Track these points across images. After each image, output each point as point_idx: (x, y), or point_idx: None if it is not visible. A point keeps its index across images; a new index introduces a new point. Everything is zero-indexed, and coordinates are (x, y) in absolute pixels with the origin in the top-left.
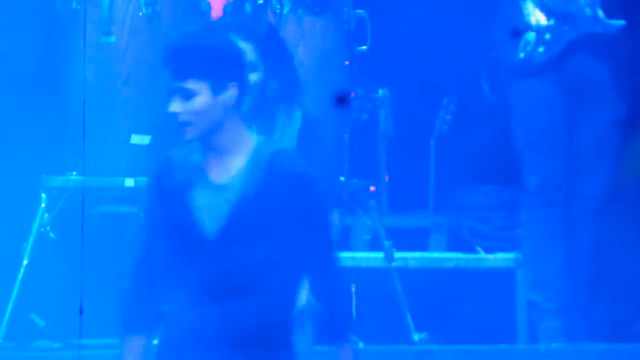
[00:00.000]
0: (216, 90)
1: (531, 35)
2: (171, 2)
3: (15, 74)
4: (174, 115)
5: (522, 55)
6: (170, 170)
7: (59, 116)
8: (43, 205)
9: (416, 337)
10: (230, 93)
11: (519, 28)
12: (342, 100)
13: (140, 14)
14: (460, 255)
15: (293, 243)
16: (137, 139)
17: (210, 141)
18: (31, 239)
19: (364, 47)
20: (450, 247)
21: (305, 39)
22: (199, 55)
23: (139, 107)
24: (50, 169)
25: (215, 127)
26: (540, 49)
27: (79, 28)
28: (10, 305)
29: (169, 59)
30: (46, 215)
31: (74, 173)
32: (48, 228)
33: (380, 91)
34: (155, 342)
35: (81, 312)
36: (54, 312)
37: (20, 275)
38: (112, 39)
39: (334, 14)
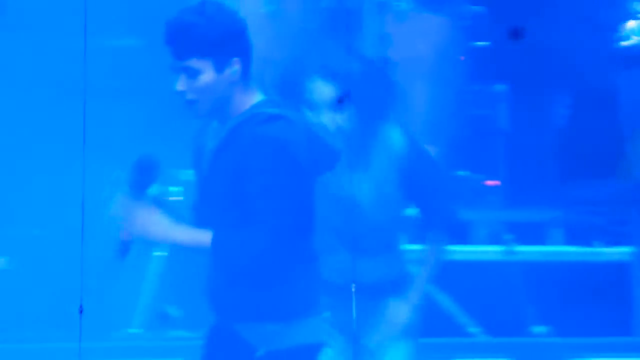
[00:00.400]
0: (220, 67)
1: (635, 25)
2: None
3: (146, 69)
4: (181, 93)
5: (625, 44)
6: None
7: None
8: (175, 198)
9: (535, 329)
10: (234, 68)
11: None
12: (341, 101)
13: (263, 11)
14: (578, 248)
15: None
16: None
17: (219, 113)
18: None
19: (483, 42)
20: (568, 241)
21: (423, 35)
22: (200, 34)
23: None
24: (180, 163)
25: (222, 102)
26: None
27: None
28: (146, 296)
29: (170, 39)
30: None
31: None
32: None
33: (497, 86)
34: None
35: (81, 312)
36: (189, 303)
37: (154, 267)
38: None
39: (451, 11)
